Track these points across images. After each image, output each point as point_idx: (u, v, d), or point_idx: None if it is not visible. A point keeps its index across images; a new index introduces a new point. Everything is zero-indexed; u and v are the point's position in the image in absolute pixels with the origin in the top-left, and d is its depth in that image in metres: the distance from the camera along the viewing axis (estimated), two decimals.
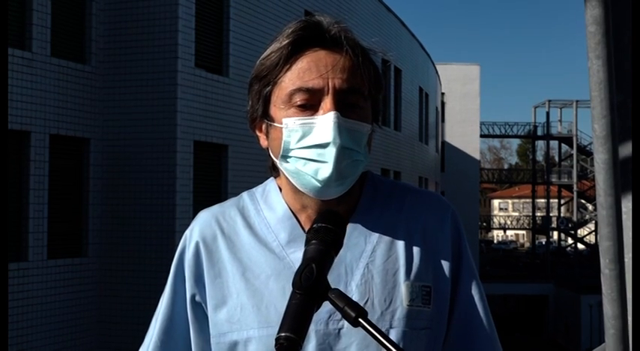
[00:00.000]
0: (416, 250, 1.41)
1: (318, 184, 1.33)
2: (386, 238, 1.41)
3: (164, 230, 12.19)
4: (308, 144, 1.32)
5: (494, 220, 60.18)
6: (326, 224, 1.20)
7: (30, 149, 11.44)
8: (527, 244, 71.04)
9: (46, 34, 11.76)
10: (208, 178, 13.38)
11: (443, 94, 38.99)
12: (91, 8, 12.69)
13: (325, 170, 1.31)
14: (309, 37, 1.36)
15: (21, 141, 11.40)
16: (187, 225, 1.53)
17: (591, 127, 1.70)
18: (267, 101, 1.38)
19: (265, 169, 1.48)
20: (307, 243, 1.19)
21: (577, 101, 46.71)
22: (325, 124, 1.31)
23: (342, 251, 1.25)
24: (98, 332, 12.51)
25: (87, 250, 12.51)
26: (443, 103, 39.34)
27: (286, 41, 1.35)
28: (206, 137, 13.11)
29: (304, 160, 1.33)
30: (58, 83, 12.00)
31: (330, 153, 1.30)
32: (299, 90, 1.33)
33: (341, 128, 1.30)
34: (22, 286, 11.10)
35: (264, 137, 1.42)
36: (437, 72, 34.19)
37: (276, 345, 1.06)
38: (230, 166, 13.73)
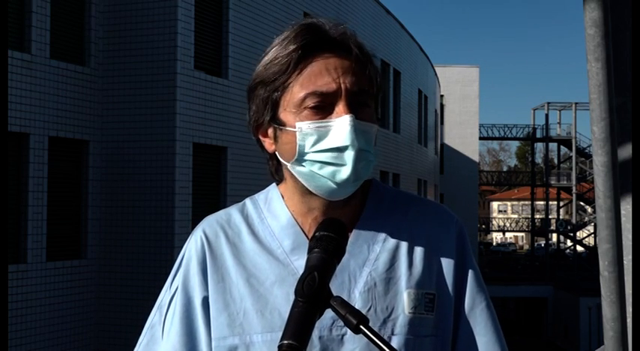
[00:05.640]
0: (419, 258, 1.42)
1: (335, 186, 1.34)
2: (389, 246, 1.42)
3: (163, 232, 12.18)
4: (324, 148, 1.33)
5: (493, 222, 60.18)
6: (328, 232, 1.21)
7: (29, 151, 11.44)
8: (526, 247, 71.02)
9: (45, 36, 11.76)
10: (207, 181, 13.38)
11: (442, 96, 39.01)
12: (90, 10, 12.69)
13: (344, 173, 1.32)
14: (316, 41, 1.37)
15: (20, 143, 11.39)
16: (186, 227, 1.53)
17: (590, 129, 1.70)
18: (275, 106, 1.38)
19: (265, 171, 1.48)
20: (310, 251, 1.20)
21: (576, 103, 46.75)
22: (342, 127, 1.32)
23: (345, 259, 1.26)
24: (97, 334, 12.50)
25: (86, 252, 12.50)
26: (442, 106, 39.37)
27: (293, 46, 1.36)
28: (205, 139, 13.11)
29: (320, 164, 1.33)
30: (57, 85, 12.00)
31: (349, 156, 1.31)
32: (312, 94, 1.33)
33: (357, 131, 1.32)
34: (21, 288, 11.10)
35: (271, 141, 1.41)
36: (436, 74, 34.20)
37: None
38: (229, 168, 13.72)
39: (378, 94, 1.41)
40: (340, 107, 1.33)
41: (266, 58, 1.39)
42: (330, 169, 1.33)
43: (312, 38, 1.36)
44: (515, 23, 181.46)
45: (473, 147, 42.69)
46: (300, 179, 1.38)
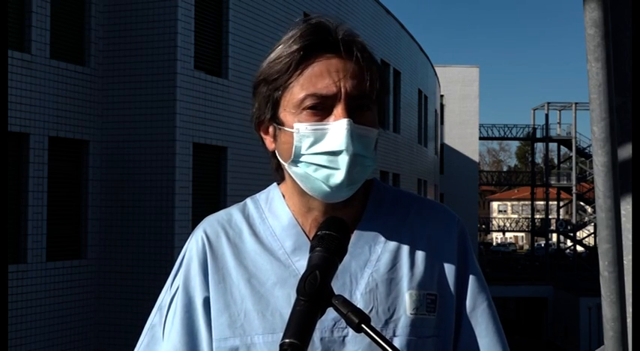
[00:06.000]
0: (420, 258, 1.41)
1: (328, 190, 1.34)
2: (390, 247, 1.41)
3: (163, 232, 12.17)
4: (319, 150, 1.32)
5: (493, 222, 60.17)
6: (330, 231, 1.21)
7: (29, 151, 11.44)
8: (526, 247, 71.03)
9: (45, 36, 11.76)
10: (207, 181, 13.38)
11: (442, 96, 39.01)
12: (90, 10, 12.69)
13: (337, 177, 1.31)
14: (319, 41, 1.36)
15: (20, 143, 11.39)
16: (186, 227, 1.53)
17: (590, 129, 1.70)
18: (276, 105, 1.37)
19: (265, 170, 1.48)
20: (312, 250, 1.20)
21: (576, 103, 46.76)
22: (338, 131, 1.31)
23: (347, 260, 1.25)
24: (97, 334, 12.50)
25: (86, 253, 12.50)
26: (442, 106, 39.36)
27: (297, 46, 1.35)
28: (205, 139, 13.11)
29: (315, 166, 1.33)
30: (57, 85, 12.00)
31: (343, 160, 1.30)
32: (312, 95, 1.33)
33: (353, 135, 1.30)
34: (21, 288, 11.10)
35: (271, 140, 1.41)
36: (436, 74, 34.20)
37: None
38: (229, 168, 13.72)
39: (381, 97, 1.40)
40: (339, 110, 1.32)
41: (271, 55, 1.39)
42: (324, 172, 1.32)
43: (315, 39, 1.35)
44: (516, 23, 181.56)
45: (473, 147, 42.69)
46: (295, 179, 1.38)
